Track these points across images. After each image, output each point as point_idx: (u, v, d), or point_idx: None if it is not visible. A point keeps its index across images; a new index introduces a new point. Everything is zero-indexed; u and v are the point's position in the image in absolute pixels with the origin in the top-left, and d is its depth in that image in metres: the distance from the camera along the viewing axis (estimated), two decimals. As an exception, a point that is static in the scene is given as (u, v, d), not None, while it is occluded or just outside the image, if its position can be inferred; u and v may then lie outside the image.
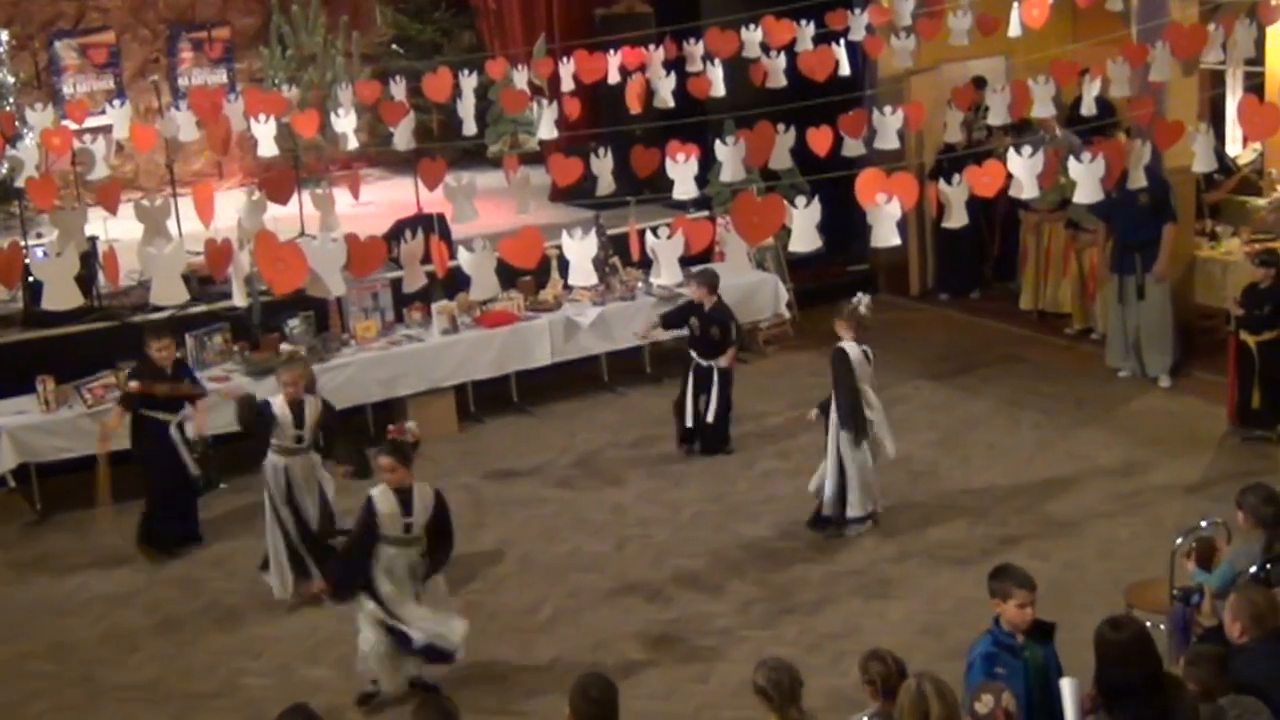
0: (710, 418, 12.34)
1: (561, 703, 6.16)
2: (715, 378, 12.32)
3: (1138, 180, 10.25)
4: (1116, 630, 6.16)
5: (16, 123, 13.86)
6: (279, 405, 10.09)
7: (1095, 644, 6.18)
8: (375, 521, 8.57)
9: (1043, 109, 12.34)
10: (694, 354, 12.45)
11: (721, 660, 9.10)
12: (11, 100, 15.90)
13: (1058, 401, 12.97)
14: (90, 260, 11.73)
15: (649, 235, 9.50)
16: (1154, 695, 6.01)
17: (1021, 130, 14.49)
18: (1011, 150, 9.57)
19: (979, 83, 14.79)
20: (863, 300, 11.01)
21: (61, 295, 8.54)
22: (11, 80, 16.46)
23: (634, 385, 14.29)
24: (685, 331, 12.60)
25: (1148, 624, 7.60)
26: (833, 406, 10.74)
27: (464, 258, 9.28)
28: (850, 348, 10.70)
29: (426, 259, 9.93)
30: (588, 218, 13.69)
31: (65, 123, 13.95)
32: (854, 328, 10.80)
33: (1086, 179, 9.65)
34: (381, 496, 8.62)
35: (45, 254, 11.55)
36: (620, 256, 13.86)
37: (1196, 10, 13.11)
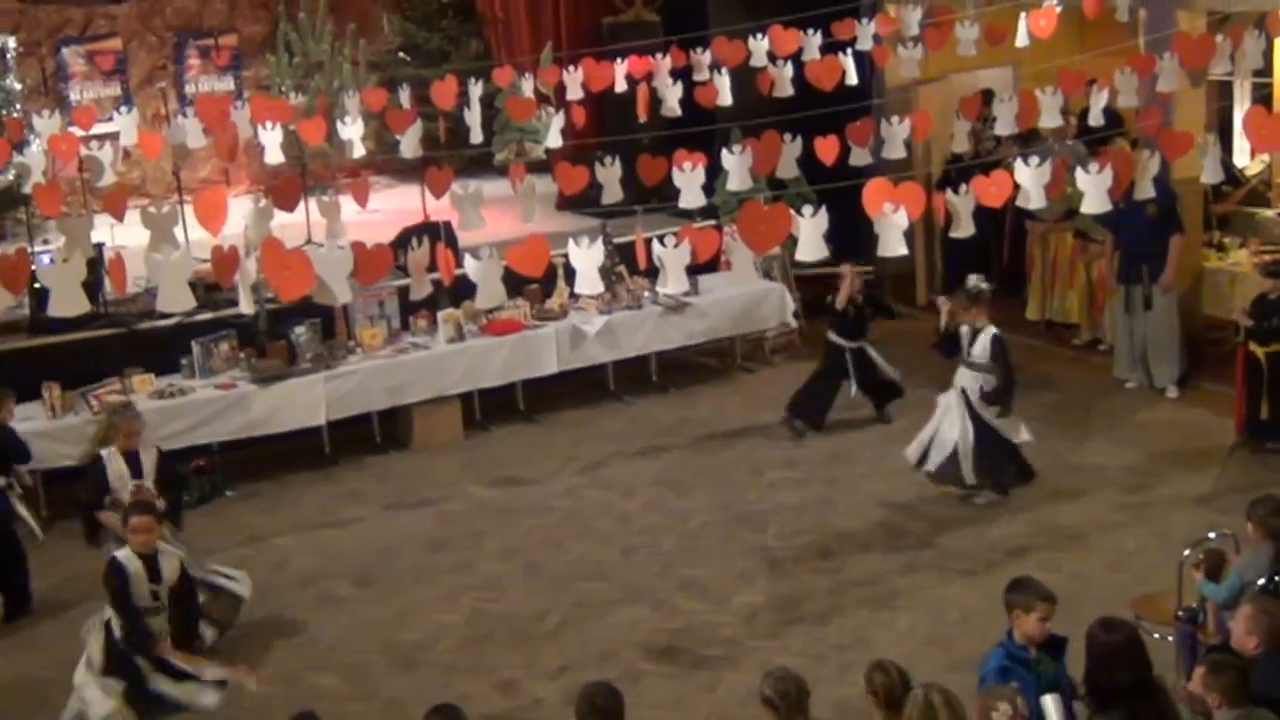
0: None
1: (568, 712, 6.14)
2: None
3: (1145, 191, 10.23)
4: (1108, 632, 6.19)
5: (24, 129, 13.85)
6: (114, 467, 9.68)
7: (1086, 645, 6.20)
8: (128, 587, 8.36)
9: (1050, 119, 12.32)
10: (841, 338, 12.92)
11: (728, 670, 9.08)
12: (19, 107, 15.90)
13: (1065, 412, 12.95)
14: (97, 267, 11.74)
15: (655, 244, 9.50)
16: (1144, 698, 6.01)
17: (1028, 140, 14.48)
18: (1019, 160, 9.55)
19: (987, 93, 14.79)
20: (978, 280, 11.39)
21: (68, 302, 8.54)
22: (19, 87, 16.46)
23: (641, 394, 14.29)
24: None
25: (1155, 636, 7.62)
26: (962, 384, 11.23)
27: (470, 266, 9.27)
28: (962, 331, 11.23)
29: (433, 267, 9.92)
30: (594, 226, 13.68)
31: (72, 129, 13.96)
32: (986, 308, 11.18)
33: (1094, 190, 9.63)
34: (128, 559, 8.43)
35: (52, 260, 11.48)
36: (627, 265, 13.86)
37: (1204, 21, 13.10)
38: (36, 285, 11.37)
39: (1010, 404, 11.29)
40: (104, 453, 9.82)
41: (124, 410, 10.35)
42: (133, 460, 9.72)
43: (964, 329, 11.36)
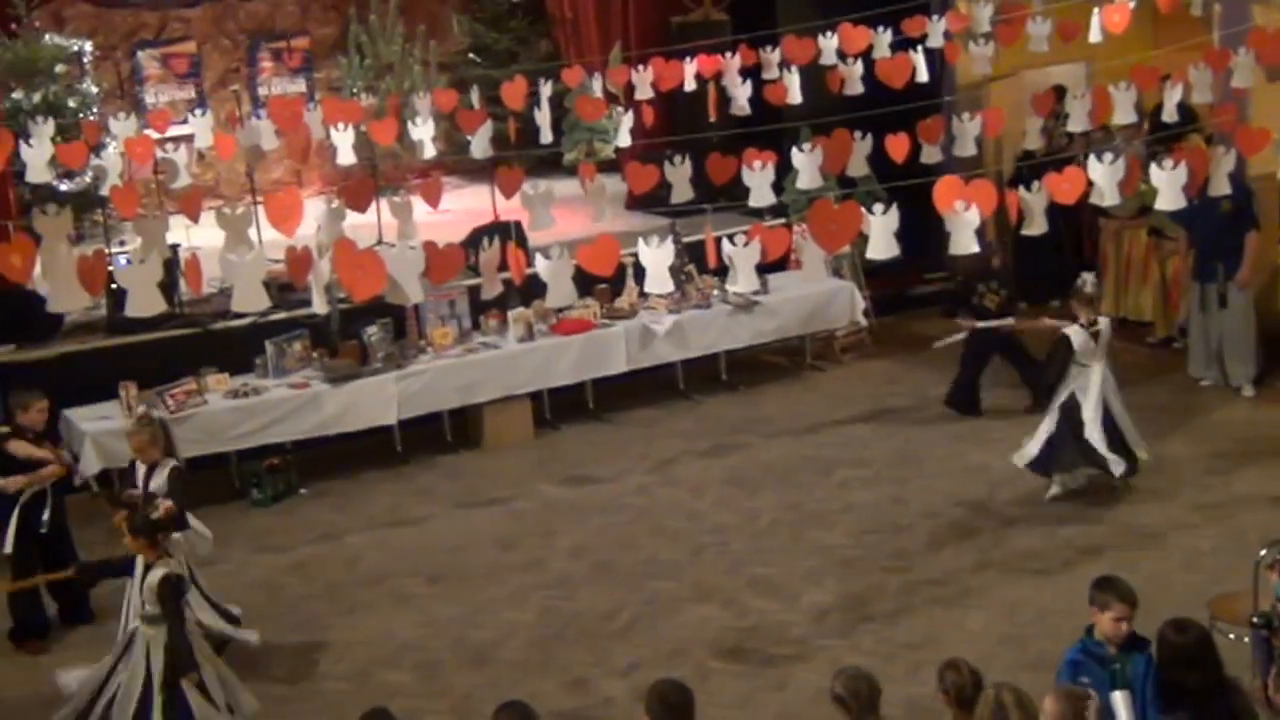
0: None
1: (638, 709, 6.16)
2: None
3: (1220, 188, 10.13)
4: (1179, 633, 6.15)
5: (101, 132, 14.03)
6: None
7: (1157, 646, 6.16)
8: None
9: (1124, 115, 12.21)
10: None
11: (798, 669, 9.06)
12: (95, 110, 16.11)
13: (1139, 411, 12.78)
14: (172, 268, 11.88)
15: (725, 243, 9.49)
16: (1214, 698, 5.96)
17: (1093, 138, 14.36)
18: (1092, 157, 9.48)
19: (1059, 90, 14.67)
20: (1087, 280, 11.38)
21: (144, 302, 8.64)
22: (95, 90, 16.68)
23: (710, 393, 14.29)
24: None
25: (1231, 636, 7.54)
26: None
27: (541, 265, 9.31)
28: (1074, 332, 11.05)
29: (504, 266, 9.97)
30: (664, 225, 13.68)
31: (148, 132, 14.12)
32: (1085, 307, 11.13)
33: (1168, 186, 9.54)
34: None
35: (128, 261, 11.69)
36: (696, 264, 13.86)
37: (1280, 15, 12.95)
38: (114, 286, 11.51)
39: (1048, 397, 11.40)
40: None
41: (134, 422, 10.06)
42: (148, 472, 9.44)
43: (1084, 332, 11.14)
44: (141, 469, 9.52)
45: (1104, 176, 9.35)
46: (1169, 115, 12.35)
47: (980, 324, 13.03)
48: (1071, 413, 11.15)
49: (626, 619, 9.91)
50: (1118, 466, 11.03)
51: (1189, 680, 6.05)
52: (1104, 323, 11.20)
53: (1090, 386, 11.13)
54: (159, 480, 9.37)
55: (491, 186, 12.79)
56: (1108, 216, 14.67)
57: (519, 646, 9.62)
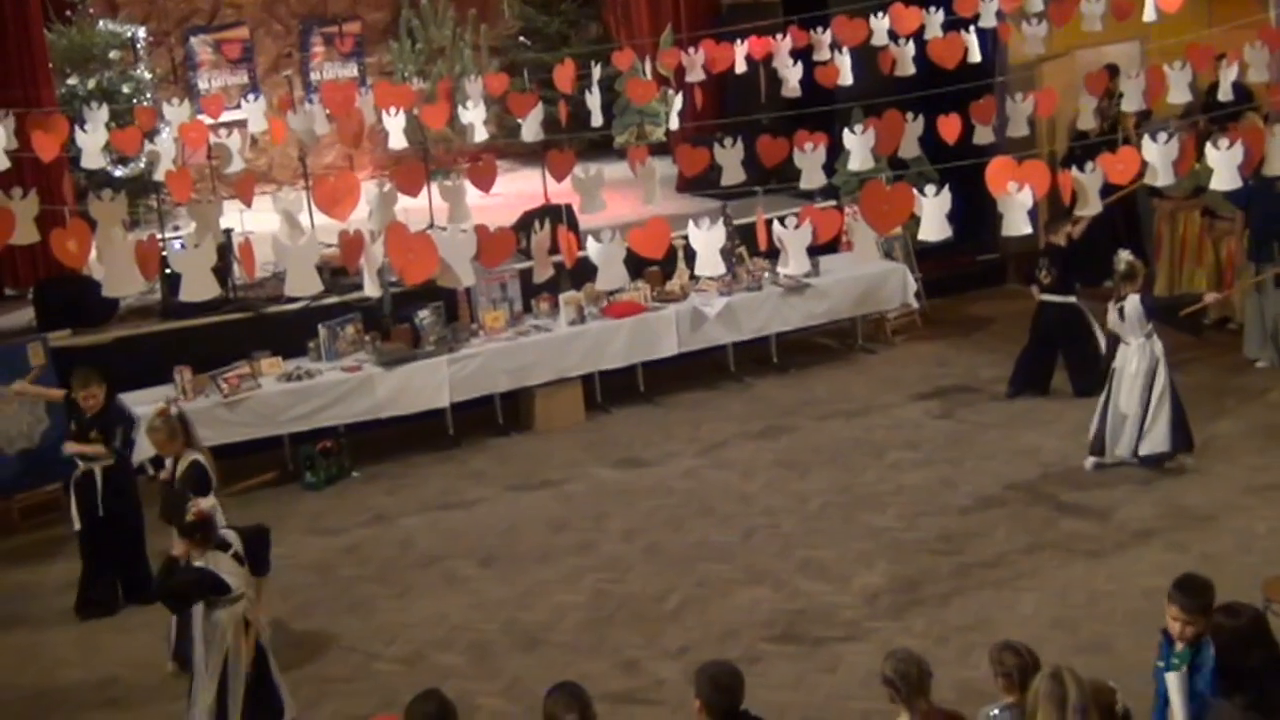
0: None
1: (689, 692, 6.17)
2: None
3: (1276, 167, 10.03)
4: (1232, 617, 6.12)
5: (155, 118, 14.15)
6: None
7: (1212, 632, 6.11)
8: None
9: (1179, 95, 12.12)
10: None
11: (849, 651, 9.04)
12: (149, 96, 16.24)
13: (1193, 392, 12.71)
14: (226, 252, 11.96)
15: (776, 225, 9.48)
16: (1272, 679, 5.93)
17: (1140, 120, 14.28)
18: (1146, 137, 9.42)
19: (1111, 69, 14.57)
20: (1122, 257, 11.25)
21: (199, 287, 8.72)
22: (149, 76, 16.81)
23: (761, 375, 14.28)
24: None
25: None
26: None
27: (592, 248, 9.32)
28: (1109, 309, 11.24)
29: (555, 249, 9.99)
30: (715, 208, 13.67)
31: (201, 117, 14.23)
32: (1121, 283, 11.15)
33: (1224, 166, 9.47)
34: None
35: (183, 246, 11.78)
36: (747, 246, 13.84)
37: (1338, -8, 12.82)
38: (168, 271, 11.63)
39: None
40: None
41: (151, 419, 9.66)
42: (173, 465, 9.42)
43: (1114, 309, 11.23)
44: (169, 462, 9.54)
45: (1158, 156, 9.28)
46: (1224, 94, 12.26)
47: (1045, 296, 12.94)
48: (1108, 391, 11.25)
49: (677, 601, 9.92)
50: (1142, 446, 11.16)
51: (1246, 662, 6.02)
52: (1131, 299, 11.10)
53: (1125, 365, 11.14)
54: (180, 469, 9.34)
55: (542, 170, 12.81)
56: (1162, 197, 14.55)
57: (570, 629, 9.65)
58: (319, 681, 9.19)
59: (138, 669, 9.51)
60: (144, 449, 11.69)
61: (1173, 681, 6.00)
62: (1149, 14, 13.04)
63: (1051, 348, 13.01)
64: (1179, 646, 6.43)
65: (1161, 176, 9.43)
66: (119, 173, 15.44)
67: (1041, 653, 6.30)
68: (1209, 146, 9.56)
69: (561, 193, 12.54)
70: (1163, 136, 9.40)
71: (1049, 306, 12.85)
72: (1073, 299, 12.80)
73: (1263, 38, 11.97)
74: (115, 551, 10.35)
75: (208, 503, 8.43)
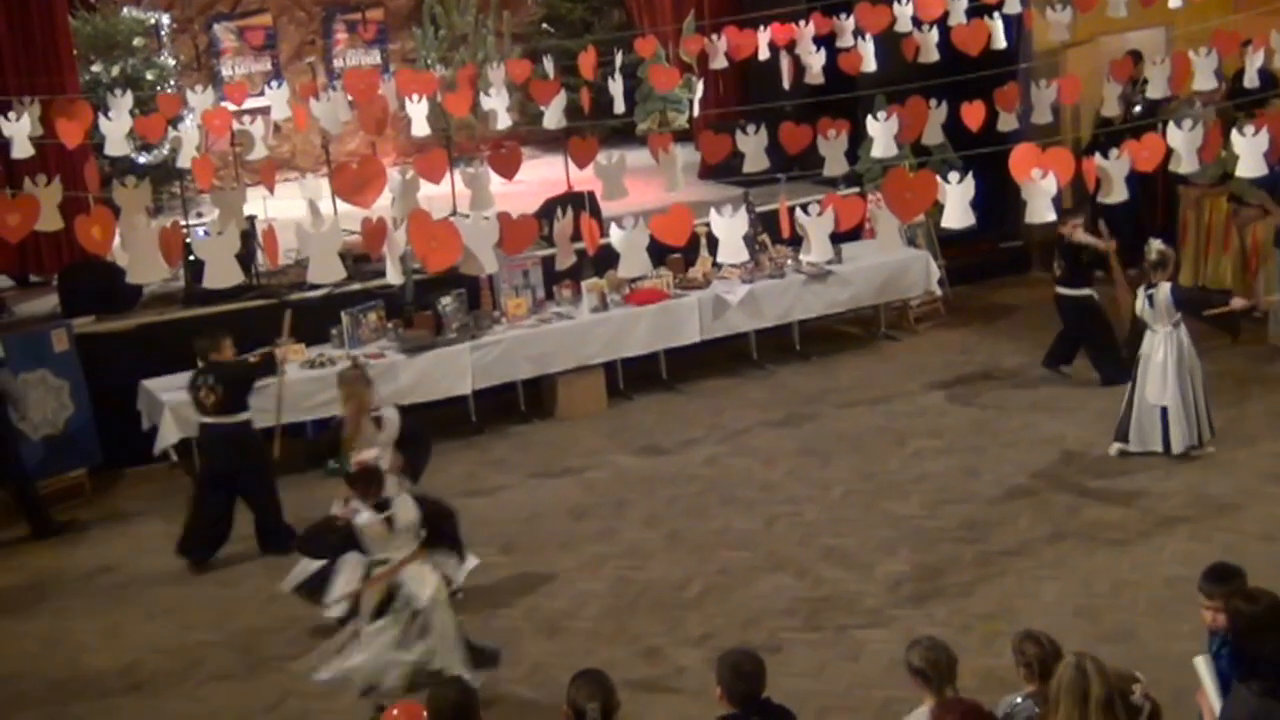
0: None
1: (711, 679, 6.17)
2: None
3: (1303, 154, 9.98)
4: (1251, 603, 6.07)
5: (180, 105, 14.17)
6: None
7: (1230, 618, 6.08)
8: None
9: (1204, 81, 12.05)
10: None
11: (872, 639, 9.04)
12: (173, 83, 16.27)
13: (1218, 380, 12.66)
14: (249, 239, 11.98)
15: (799, 212, 9.46)
16: None
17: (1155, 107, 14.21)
18: (1171, 124, 9.37)
19: (1135, 54, 14.50)
20: (1152, 245, 11.28)
21: (222, 273, 8.73)
22: (173, 63, 16.84)
23: (783, 363, 14.26)
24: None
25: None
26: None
27: (614, 235, 9.32)
28: (1137, 296, 11.30)
29: (577, 237, 9.98)
30: (737, 195, 13.66)
31: (224, 104, 14.24)
32: (1151, 271, 11.16)
33: (1250, 153, 9.41)
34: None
35: (206, 233, 11.82)
36: (770, 234, 13.82)
37: (1366, -23, 12.72)
38: (191, 258, 11.66)
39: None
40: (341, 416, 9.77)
41: (347, 374, 10.14)
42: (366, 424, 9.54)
43: (1144, 296, 11.21)
44: (351, 422, 9.60)
45: (1183, 143, 9.23)
46: (1250, 81, 12.18)
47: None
48: (1136, 379, 11.24)
49: (699, 589, 9.93)
50: (1171, 440, 11.15)
51: (1266, 648, 5.99)
52: (1163, 287, 11.08)
53: (1153, 353, 11.12)
54: (390, 427, 9.58)
55: (565, 157, 12.80)
56: (1187, 184, 14.49)
57: (592, 616, 9.67)
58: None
59: (162, 654, 9.55)
60: (170, 433, 11.79)
61: (1202, 666, 5.98)
62: (1174, 0, 12.98)
63: (1074, 337, 13.00)
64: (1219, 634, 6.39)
65: (1186, 163, 9.38)
66: (143, 160, 15.47)
67: (1064, 642, 6.28)
68: (1235, 133, 9.50)
69: (584, 180, 12.53)
70: (1187, 123, 9.35)
71: (1063, 299, 12.84)
72: (1086, 290, 12.75)
73: (1289, 23, 11.91)
74: (232, 503, 10.80)
75: (370, 453, 8.48)
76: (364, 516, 8.16)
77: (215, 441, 10.83)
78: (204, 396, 10.70)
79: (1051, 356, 13.18)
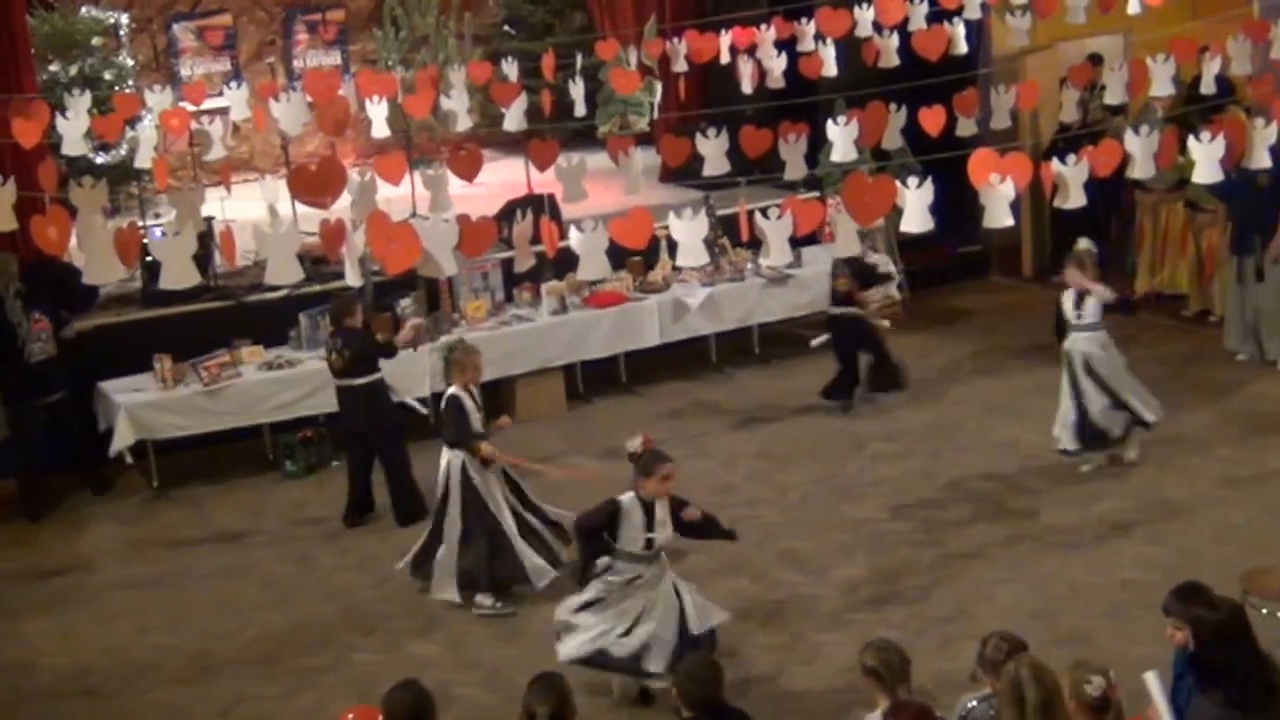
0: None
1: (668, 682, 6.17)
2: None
3: (1259, 160, 10.03)
4: (1213, 610, 6.08)
5: (138, 105, 14.07)
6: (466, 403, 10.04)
7: (1191, 625, 6.09)
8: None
9: (1162, 88, 12.12)
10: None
11: (829, 642, 9.06)
12: (131, 83, 16.17)
13: (1174, 384, 12.76)
14: (207, 240, 11.92)
15: (759, 216, 9.46)
16: (1251, 674, 5.93)
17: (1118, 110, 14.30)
18: (1128, 130, 9.42)
19: (1094, 57, 14.58)
20: (1080, 246, 11.36)
21: (179, 275, 8.66)
22: (131, 63, 16.74)
23: (742, 366, 14.28)
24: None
25: (1264, 611, 7.51)
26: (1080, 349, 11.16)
27: (574, 238, 9.30)
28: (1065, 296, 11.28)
29: (537, 239, 9.96)
30: (697, 198, 13.67)
31: (183, 105, 14.15)
32: (1079, 272, 11.15)
33: (1206, 159, 9.47)
34: (631, 504, 8.37)
35: (163, 234, 11.75)
36: (729, 237, 13.83)
37: (1321, -15, 12.83)
38: (149, 259, 11.59)
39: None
40: (453, 390, 10.06)
41: (460, 346, 10.58)
42: (475, 395, 10.11)
43: (1068, 295, 11.21)
44: (465, 394, 9.99)
45: (1140, 149, 9.28)
46: (1207, 87, 12.26)
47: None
48: (1069, 381, 11.24)
49: (658, 592, 9.90)
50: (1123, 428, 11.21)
51: (1225, 658, 6.00)
52: (1068, 292, 11.17)
53: (1074, 350, 11.19)
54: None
55: (525, 159, 12.79)
56: (1145, 190, 14.58)
57: (550, 619, 9.61)
58: (297, 672, 9.19)
59: (115, 658, 9.50)
60: (125, 436, 11.72)
61: (1151, 681, 5.98)
62: (1133, 6, 13.05)
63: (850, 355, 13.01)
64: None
65: (1142, 169, 9.42)
66: (100, 160, 15.36)
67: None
68: (1191, 139, 9.56)
69: (544, 182, 12.51)
70: (1144, 129, 9.40)
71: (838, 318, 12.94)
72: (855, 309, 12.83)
73: (1246, 30, 11.96)
74: (369, 465, 11.40)
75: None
76: (628, 499, 8.32)
77: (344, 403, 11.37)
78: (333, 360, 11.28)
79: (837, 388, 13.05)
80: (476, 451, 9.91)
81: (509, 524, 9.85)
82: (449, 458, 9.95)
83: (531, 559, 9.81)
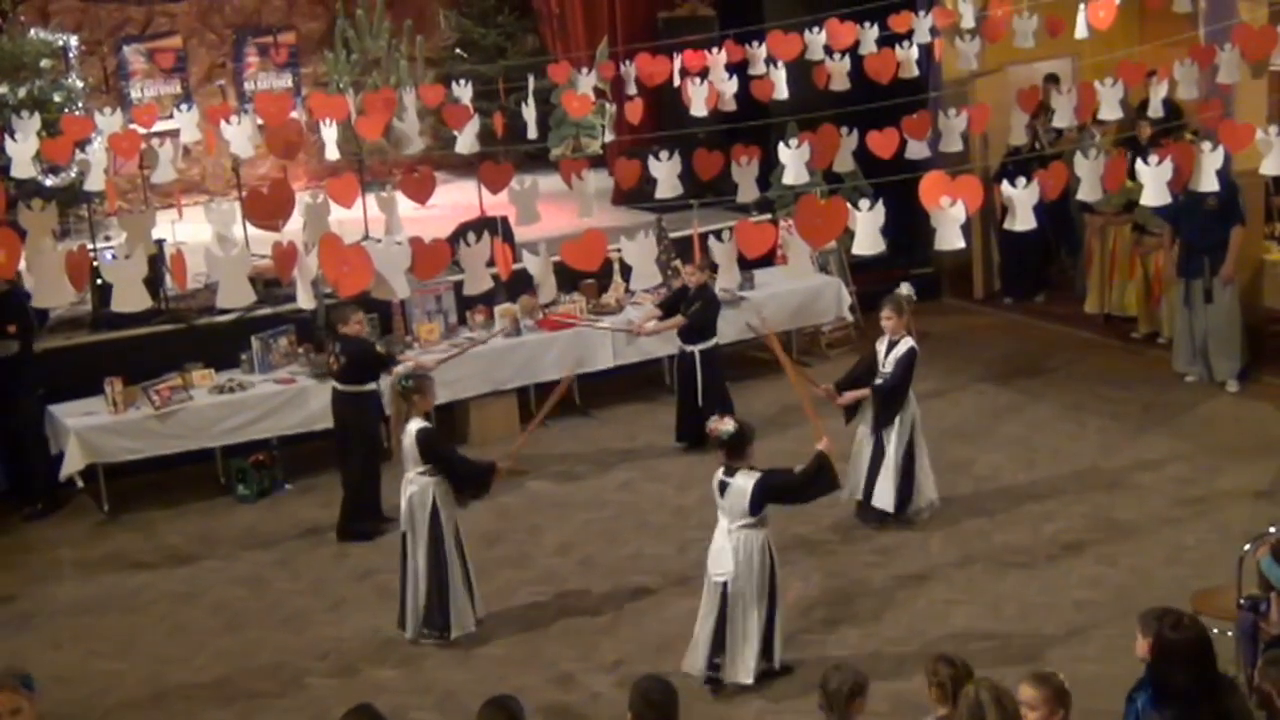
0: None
1: (624, 704, 6.16)
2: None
3: (1206, 183, 10.15)
4: (1175, 630, 6.07)
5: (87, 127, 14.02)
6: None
7: (1154, 644, 6.10)
8: None
9: (1110, 111, 12.25)
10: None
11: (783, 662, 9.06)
12: (81, 105, 16.09)
13: (1123, 406, 12.87)
14: (158, 263, 11.87)
15: (711, 238, 9.51)
16: (1209, 697, 5.95)
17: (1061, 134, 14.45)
18: (1077, 153, 9.51)
19: (1049, 77, 14.73)
20: (902, 291, 11.02)
21: (130, 298, 8.65)
22: (81, 85, 16.65)
23: (696, 388, 14.27)
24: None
25: (1215, 631, 7.55)
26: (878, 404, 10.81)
27: (528, 260, 9.32)
28: (879, 344, 10.94)
29: (490, 262, 9.97)
30: (650, 220, 13.69)
31: (133, 127, 14.10)
32: (909, 320, 10.91)
33: (1153, 182, 9.57)
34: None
35: (114, 257, 11.68)
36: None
37: (1266, 11, 13.00)
38: (99, 281, 11.52)
39: (893, 415, 10.81)
40: (423, 424, 9.66)
41: (414, 375, 10.07)
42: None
43: (882, 343, 10.92)
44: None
45: (1087, 172, 9.38)
46: (1154, 111, 12.41)
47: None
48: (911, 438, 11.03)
49: (612, 614, 9.91)
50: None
51: (1181, 678, 6.00)
52: (905, 341, 10.82)
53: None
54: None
55: (478, 182, 12.79)
56: (1093, 212, 14.71)
57: (505, 642, 9.62)
58: (249, 697, 9.12)
59: (66, 684, 9.38)
60: (75, 460, 11.63)
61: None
62: (1081, 31, 13.20)
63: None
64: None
65: (1090, 191, 9.52)
66: (50, 182, 15.26)
67: (974, 665, 6.34)
68: (1139, 162, 9.66)
69: (497, 205, 12.51)
70: (1092, 152, 9.50)
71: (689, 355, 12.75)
72: (713, 341, 12.70)
73: (1192, 55, 12.12)
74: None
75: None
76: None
77: (335, 403, 11.51)
78: (331, 362, 11.54)
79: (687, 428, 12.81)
80: (502, 476, 9.77)
81: (455, 569, 9.64)
82: (417, 487, 9.60)
83: (461, 609, 9.61)
